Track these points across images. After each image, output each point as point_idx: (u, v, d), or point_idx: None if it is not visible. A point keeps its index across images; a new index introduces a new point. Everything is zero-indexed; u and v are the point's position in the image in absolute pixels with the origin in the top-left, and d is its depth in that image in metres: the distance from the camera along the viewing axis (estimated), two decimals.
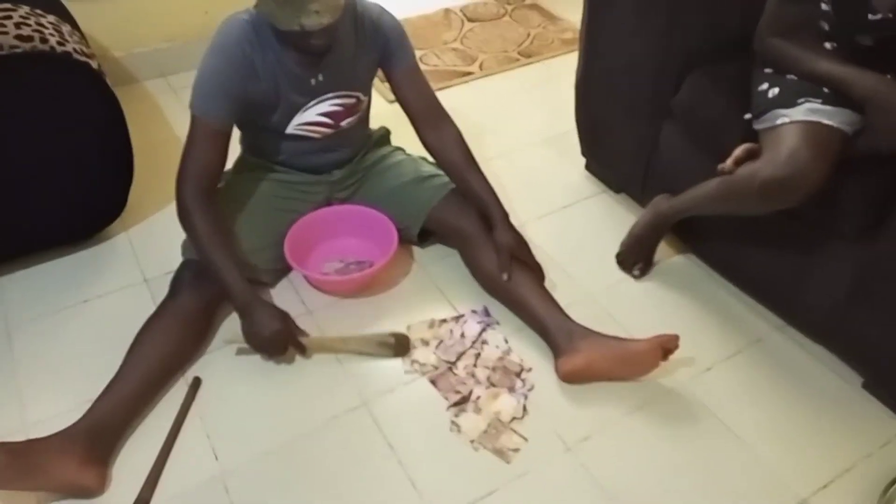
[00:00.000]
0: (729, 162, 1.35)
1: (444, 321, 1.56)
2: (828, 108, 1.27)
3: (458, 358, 1.47)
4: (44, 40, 1.44)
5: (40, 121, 1.50)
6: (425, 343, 1.50)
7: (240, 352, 1.46)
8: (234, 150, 1.65)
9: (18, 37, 1.41)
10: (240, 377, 1.44)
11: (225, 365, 1.46)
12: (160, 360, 1.37)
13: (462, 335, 1.51)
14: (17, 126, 1.48)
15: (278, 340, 1.40)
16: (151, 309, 1.43)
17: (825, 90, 1.29)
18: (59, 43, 1.46)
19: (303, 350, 1.45)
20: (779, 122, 1.30)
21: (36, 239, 1.65)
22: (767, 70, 1.38)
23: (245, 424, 1.36)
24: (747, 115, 1.42)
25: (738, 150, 1.35)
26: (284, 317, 1.41)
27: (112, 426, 1.28)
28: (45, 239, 1.67)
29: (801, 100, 1.29)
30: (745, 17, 1.49)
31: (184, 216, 1.40)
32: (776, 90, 1.33)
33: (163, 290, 1.46)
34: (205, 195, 1.40)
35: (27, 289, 1.62)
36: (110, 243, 1.74)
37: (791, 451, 1.33)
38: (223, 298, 1.51)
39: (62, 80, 1.48)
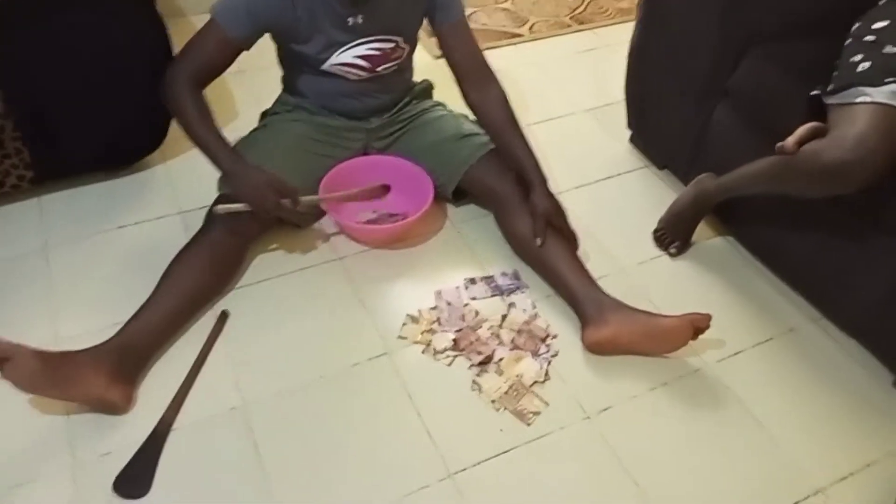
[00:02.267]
0: (791, 140, 1.28)
1: (473, 280, 1.55)
2: None
3: (473, 323, 1.45)
4: None
5: (91, 45, 1.49)
6: (431, 331, 1.45)
7: (227, 212, 1.41)
8: (275, 90, 1.66)
9: None
10: (267, 315, 1.45)
11: (253, 301, 1.47)
12: (190, 290, 1.38)
13: (459, 302, 1.49)
14: (68, 49, 1.48)
15: (265, 188, 1.38)
16: (184, 240, 1.44)
17: None
18: None
19: (295, 196, 1.41)
20: (858, 100, 1.23)
21: (79, 162, 1.66)
22: (869, 38, 1.31)
23: (269, 361, 1.38)
24: (815, 91, 1.36)
25: (803, 129, 1.28)
26: (270, 173, 1.40)
27: (141, 348, 1.30)
28: (87, 162, 1.68)
29: (890, 79, 1.22)
30: None
31: (171, 93, 1.39)
32: (867, 64, 1.27)
33: (196, 224, 1.47)
34: (196, 82, 1.40)
35: (67, 210, 1.64)
36: (149, 173, 1.75)
37: (812, 440, 1.32)
38: (255, 235, 1.52)
39: (115, 5, 1.48)
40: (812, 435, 1.33)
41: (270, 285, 1.51)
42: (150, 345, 1.32)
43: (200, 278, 1.40)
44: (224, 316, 1.44)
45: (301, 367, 1.37)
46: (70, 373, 1.19)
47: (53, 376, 1.16)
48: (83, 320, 1.40)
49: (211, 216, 1.46)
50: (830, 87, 1.32)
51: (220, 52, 1.41)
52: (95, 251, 1.56)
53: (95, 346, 1.25)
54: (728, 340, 1.46)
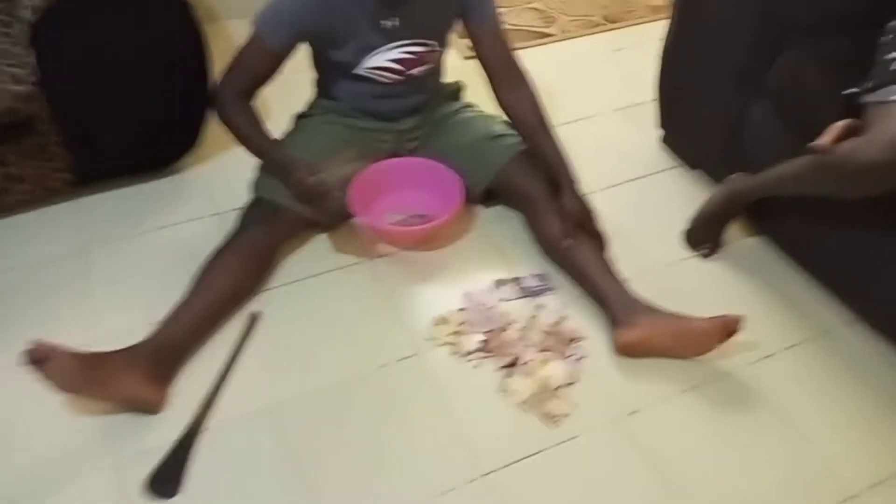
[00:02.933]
0: (825, 139, 1.26)
1: (502, 282, 1.55)
2: None
3: (502, 324, 1.45)
4: None
5: (131, 49, 1.53)
6: (460, 333, 1.45)
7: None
8: (308, 92, 1.68)
9: None
10: (298, 316, 1.47)
11: (284, 303, 1.50)
12: (223, 290, 1.41)
13: (487, 304, 1.50)
14: (108, 54, 1.52)
15: (316, 201, 1.42)
16: (219, 241, 1.47)
17: None
18: None
19: (326, 197, 1.43)
20: (893, 97, 1.21)
21: (116, 164, 1.71)
22: None
23: (299, 362, 1.40)
24: (851, 90, 1.33)
25: (836, 127, 1.26)
26: (312, 170, 1.42)
27: (175, 348, 1.33)
28: (125, 165, 1.72)
29: None
30: None
31: (222, 111, 1.46)
32: None
33: (230, 225, 1.50)
34: (243, 98, 1.46)
35: (106, 211, 1.69)
36: (185, 175, 1.79)
37: (846, 445, 1.30)
38: (288, 237, 1.55)
39: (156, 10, 1.51)
40: (845, 439, 1.30)
41: (301, 286, 1.53)
42: (185, 345, 1.35)
43: (233, 279, 1.43)
44: (255, 317, 1.46)
45: (331, 367, 1.39)
46: (107, 373, 1.22)
47: (91, 377, 1.20)
48: (121, 320, 1.44)
49: (245, 217, 1.49)
50: (866, 86, 1.29)
51: (264, 63, 1.45)
52: (133, 252, 1.60)
53: (131, 347, 1.28)
54: (760, 343, 1.44)
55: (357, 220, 1.65)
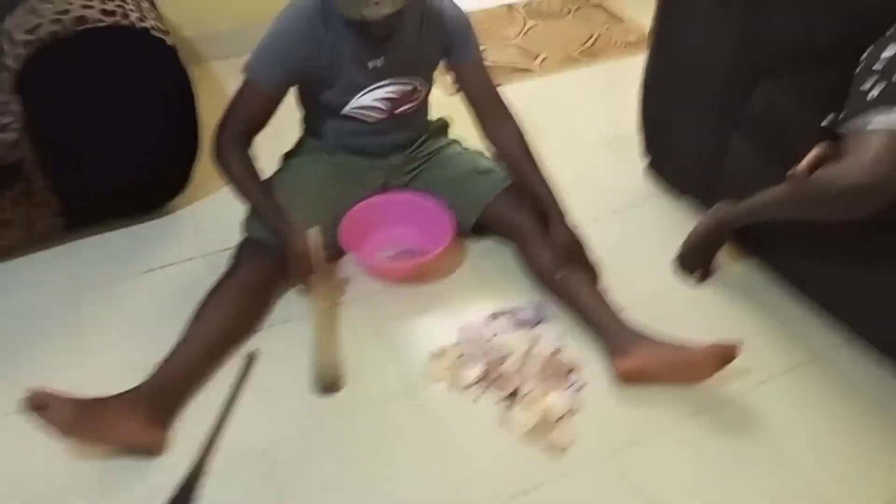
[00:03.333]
0: (802, 166, 1.31)
1: (495, 315, 1.55)
2: None
3: (499, 357, 1.45)
4: (125, 16, 1.48)
5: (117, 93, 1.54)
6: (456, 367, 1.44)
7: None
8: (296, 131, 1.69)
9: (103, 11, 1.46)
10: (294, 354, 1.46)
11: (281, 341, 1.49)
12: (219, 330, 1.40)
13: (482, 337, 1.50)
14: (96, 97, 1.53)
15: (292, 262, 1.43)
16: (210, 281, 1.46)
17: None
18: (139, 19, 1.50)
19: (306, 285, 1.46)
20: (869, 126, 1.26)
21: (106, 207, 1.70)
22: (878, 66, 1.34)
23: (297, 399, 1.38)
24: (825, 122, 1.38)
25: (812, 155, 1.31)
26: (307, 248, 1.43)
27: (174, 391, 1.32)
28: (115, 208, 1.72)
29: None
30: (829, 25, 1.46)
31: (220, 159, 1.46)
32: (877, 91, 1.29)
33: (222, 265, 1.49)
34: (242, 144, 1.47)
35: (96, 255, 1.68)
36: (175, 217, 1.79)
37: (847, 471, 1.30)
38: (281, 276, 1.54)
39: (140, 55, 1.52)
40: (847, 464, 1.31)
41: (296, 325, 1.52)
42: (183, 388, 1.34)
43: (228, 320, 1.42)
44: (252, 357, 1.45)
45: (328, 404, 1.38)
46: (106, 418, 1.20)
47: (90, 422, 1.18)
48: (115, 363, 1.42)
49: (237, 257, 1.49)
50: (842, 116, 1.34)
51: (260, 107, 1.46)
52: (124, 295, 1.58)
53: (129, 391, 1.27)
54: (757, 368, 1.45)
55: (349, 257, 1.66)
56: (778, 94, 1.53)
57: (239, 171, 1.46)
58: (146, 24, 1.52)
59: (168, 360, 1.33)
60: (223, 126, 1.47)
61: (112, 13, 1.47)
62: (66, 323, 1.51)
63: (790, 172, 1.33)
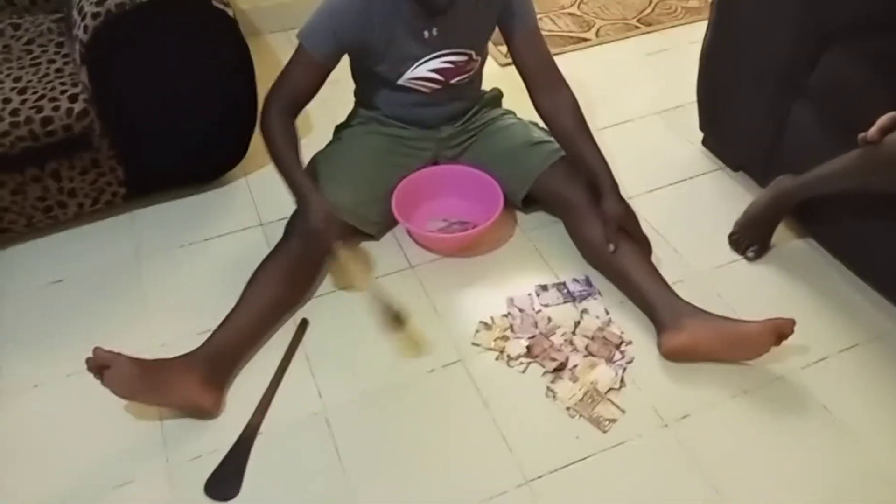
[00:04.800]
0: (873, 130, 1.24)
1: (545, 287, 1.55)
2: None
3: (547, 329, 1.45)
4: None
5: (181, 65, 1.58)
6: (505, 338, 1.45)
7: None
8: (349, 103, 1.71)
9: None
10: (345, 322, 1.50)
11: (332, 310, 1.52)
12: (272, 298, 1.44)
13: (532, 309, 1.50)
14: (158, 69, 1.57)
15: (311, 236, 1.43)
16: (266, 251, 1.50)
17: None
18: None
19: (331, 254, 1.44)
20: None
21: (166, 177, 1.76)
22: None
23: (348, 367, 1.42)
24: None
25: (885, 118, 1.24)
26: (329, 217, 1.42)
27: (228, 355, 1.37)
28: (175, 178, 1.78)
29: None
30: None
31: (264, 123, 1.49)
32: None
33: (277, 234, 1.53)
34: (288, 114, 1.49)
35: (157, 223, 1.74)
36: (232, 187, 1.83)
37: None
38: (332, 246, 1.57)
39: (203, 25, 1.56)
40: None
41: (346, 294, 1.55)
42: (237, 352, 1.39)
43: (280, 289, 1.46)
44: (304, 324, 1.49)
45: (378, 373, 1.41)
46: (165, 379, 1.26)
47: (150, 382, 1.24)
48: (174, 327, 1.48)
49: (290, 227, 1.52)
50: None
51: (310, 76, 1.48)
52: (184, 262, 1.64)
53: (187, 354, 1.32)
54: (812, 346, 1.42)
55: (400, 227, 1.68)
56: (844, 63, 1.47)
57: (278, 138, 1.47)
58: None
59: (223, 326, 1.38)
60: (272, 93, 1.49)
61: None
62: (129, 288, 1.58)
63: (861, 136, 1.27)
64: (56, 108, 1.51)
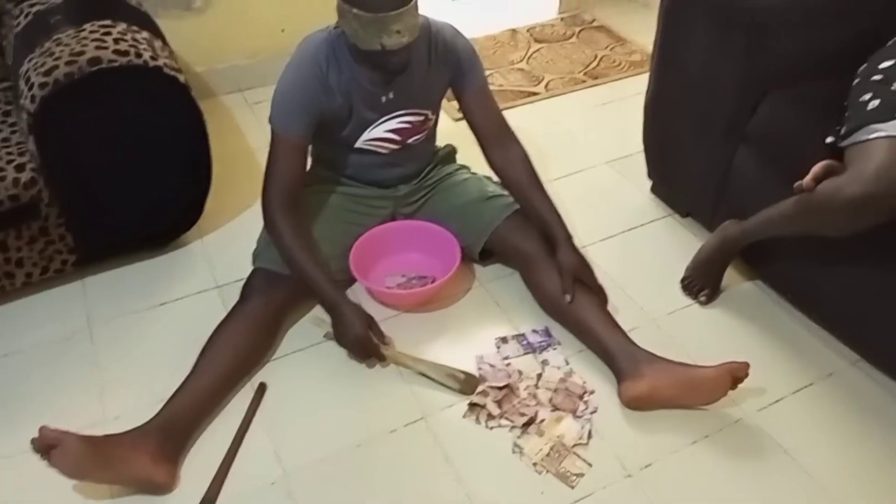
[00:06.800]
0: (808, 178, 1.30)
1: (504, 339, 1.56)
2: None
3: (511, 384, 1.45)
4: (138, 55, 1.52)
5: (132, 131, 1.58)
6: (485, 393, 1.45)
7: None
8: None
9: (116, 51, 1.50)
10: (304, 385, 1.47)
11: (290, 372, 1.50)
12: (229, 363, 1.42)
13: (502, 364, 1.51)
14: (111, 135, 1.56)
15: (359, 345, 1.45)
16: (223, 314, 1.48)
17: None
18: (151, 58, 1.54)
19: (382, 358, 1.48)
20: (871, 136, 1.25)
21: (119, 242, 1.73)
22: (876, 77, 1.34)
23: (307, 431, 1.39)
24: (829, 139, 1.39)
25: (818, 167, 1.30)
26: (368, 322, 1.46)
27: (183, 425, 1.33)
28: (127, 243, 1.75)
29: None
30: (833, 39, 1.46)
31: (271, 226, 1.48)
32: (877, 102, 1.30)
33: (234, 297, 1.51)
34: (289, 205, 1.48)
35: (109, 290, 1.70)
36: (186, 250, 1.81)
37: (861, 489, 1.29)
38: (291, 306, 1.56)
39: (154, 92, 1.56)
40: (860, 482, 1.30)
41: (306, 355, 1.54)
42: (192, 421, 1.35)
43: (238, 351, 1.43)
44: (262, 388, 1.46)
45: (339, 435, 1.38)
46: (115, 455, 1.21)
47: (100, 460, 1.19)
48: (128, 398, 1.44)
49: (247, 288, 1.51)
50: (844, 130, 1.34)
51: (296, 159, 1.49)
52: (137, 329, 1.61)
53: (139, 427, 1.28)
54: (767, 388, 1.44)
55: (359, 285, 1.67)
56: (783, 109, 1.53)
57: (292, 243, 1.45)
58: (159, 63, 1.55)
59: (178, 394, 1.34)
60: (268, 190, 1.48)
61: (125, 53, 1.51)
62: (81, 359, 1.53)
63: (797, 185, 1.33)
64: (2, 178, 1.49)
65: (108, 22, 1.59)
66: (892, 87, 1.30)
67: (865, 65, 1.41)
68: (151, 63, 1.52)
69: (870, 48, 1.44)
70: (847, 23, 1.52)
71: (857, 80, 1.40)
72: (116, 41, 1.52)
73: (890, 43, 1.41)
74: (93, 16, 1.60)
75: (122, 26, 1.59)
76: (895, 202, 1.21)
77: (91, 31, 1.54)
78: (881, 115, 1.27)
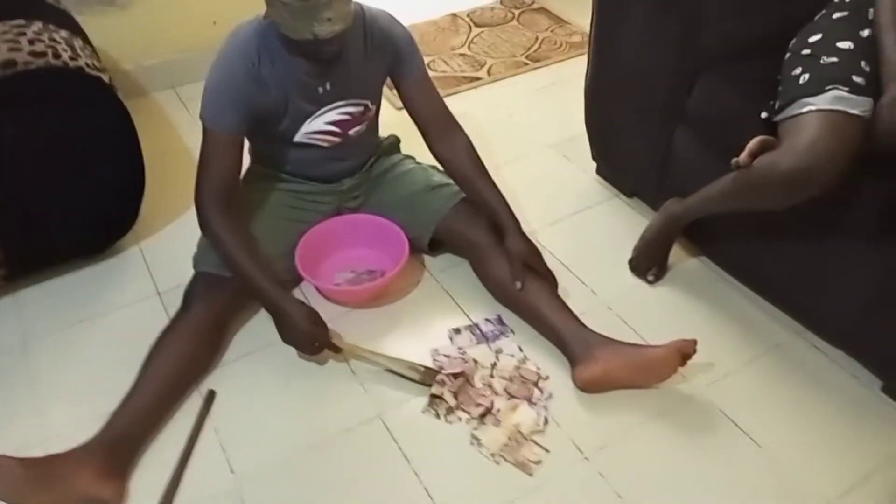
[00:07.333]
0: (744, 155, 1.32)
1: (457, 330, 1.55)
2: (854, 97, 1.24)
3: (467, 374, 1.44)
4: (56, 55, 1.45)
5: (54, 135, 1.50)
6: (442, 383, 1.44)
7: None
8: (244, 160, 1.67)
9: (32, 53, 1.42)
10: (254, 389, 1.44)
11: (239, 377, 1.46)
12: (175, 372, 1.37)
13: (457, 354, 1.50)
14: (33, 142, 1.48)
15: (306, 340, 1.41)
16: (165, 321, 1.43)
17: (854, 78, 1.26)
18: (71, 58, 1.47)
19: (334, 349, 1.45)
20: (804, 110, 1.27)
21: (51, 253, 1.66)
22: (806, 52, 1.36)
23: (260, 436, 1.36)
24: (764, 114, 1.41)
25: (753, 143, 1.32)
26: (312, 317, 1.41)
27: (129, 438, 1.28)
28: (61, 252, 1.67)
29: (830, 87, 1.26)
30: (766, 21, 1.48)
31: (205, 227, 1.42)
32: (807, 76, 1.32)
33: (176, 303, 1.46)
34: (224, 204, 1.42)
35: (44, 302, 1.63)
36: (123, 256, 1.74)
37: (811, 456, 1.32)
38: (236, 310, 1.52)
39: (75, 94, 1.49)
40: (811, 450, 1.33)
41: (254, 358, 1.50)
42: (139, 434, 1.30)
43: (184, 359, 1.39)
44: (211, 395, 1.42)
45: (293, 438, 1.36)
46: (56, 476, 1.16)
47: (40, 483, 1.14)
48: (70, 414, 1.38)
49: (189, 294, 1.46)
50: (777, 105, 1.36)
51: (228, 157, 1.42)
52: (76, 341, 1.54)
53: (81, 445, 1.23)
54: (716, 363, 1.47)
55: (307, 283, 1.64)
56: (719, 88, 1.55)
57: (228, 243, 1.40)
58: (79, 63, 1.48)
59: (122, 407, 1.29)
60: (200, 190, 1.42)
61: (42, 54, 1.44)
62: (17, 376, 1.47)
63: (733, 161, 1.34)
64: None
65: (20, 21, 1.50)
66: (822, 61, 1.33)
67: (795, 39, 1.43)
68: (71, 63, 1.45)
69: (802, 25, 1.46)
70: (780, 8, 1.54)
71: (788, 55, 1.42)
72: (31, 42, 1.44)
73: (818, 16, 1.44)
74: (3, 15, 1.52)
75: (37, 25, 1.51)
76: (828, 176, 1.23)
77: (2, 32, 1.46)
78: (812, 89, 1.29)
